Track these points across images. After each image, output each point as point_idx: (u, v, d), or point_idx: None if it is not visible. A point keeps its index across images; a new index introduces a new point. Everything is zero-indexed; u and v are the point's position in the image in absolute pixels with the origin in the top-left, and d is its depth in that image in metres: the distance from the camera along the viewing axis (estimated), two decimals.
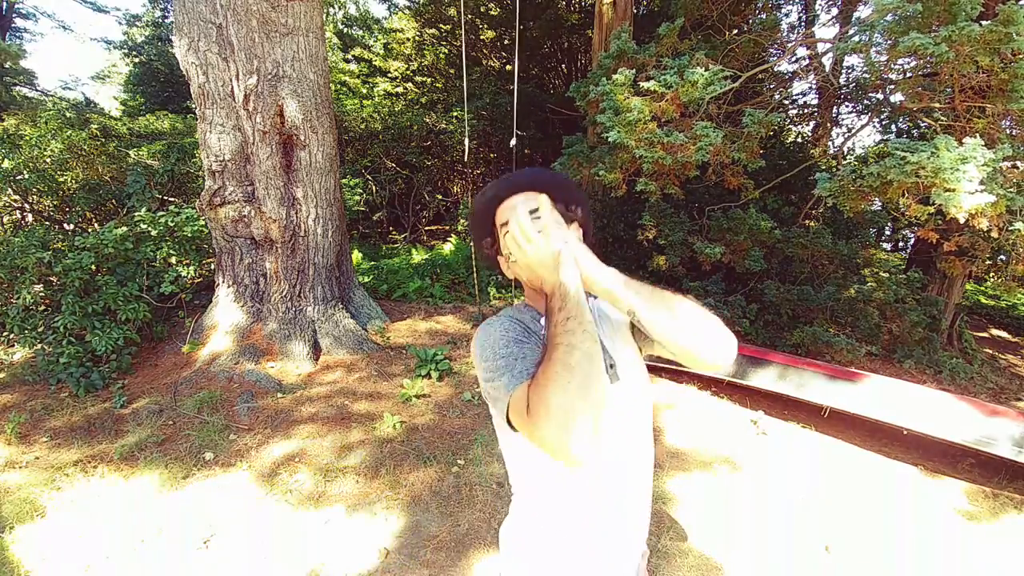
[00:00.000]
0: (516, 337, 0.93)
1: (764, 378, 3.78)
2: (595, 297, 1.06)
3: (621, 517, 1.02)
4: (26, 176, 4.96)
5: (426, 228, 10.37)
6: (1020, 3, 3.32)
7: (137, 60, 15.50)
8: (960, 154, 3.06)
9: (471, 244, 6.58)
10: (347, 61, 14.17)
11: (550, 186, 0.98)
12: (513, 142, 4.59)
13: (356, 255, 7.08)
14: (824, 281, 5.88)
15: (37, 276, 3.92)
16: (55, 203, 5.37)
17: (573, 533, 1.01)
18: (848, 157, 6.83)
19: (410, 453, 3.12)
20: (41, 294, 3.93)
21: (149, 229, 4.32)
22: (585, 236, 1.03)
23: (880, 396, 3.41)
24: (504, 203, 1.00)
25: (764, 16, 7.08)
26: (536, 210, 0.92)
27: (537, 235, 0.85)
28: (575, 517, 1.00)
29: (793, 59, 8.57)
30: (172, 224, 4.42)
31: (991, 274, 6.73)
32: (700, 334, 0.88)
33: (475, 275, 5.86)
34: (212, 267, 4.98)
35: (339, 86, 12.06)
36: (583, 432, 0.74)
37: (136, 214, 4.51)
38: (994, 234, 3.56)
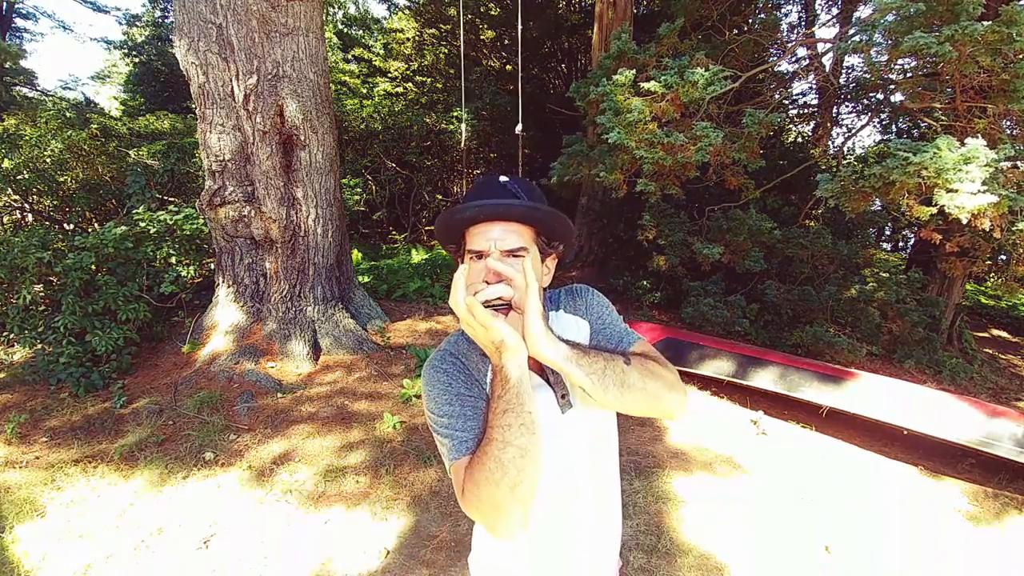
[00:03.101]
0: (459, 391, 0.91)
1: (764, 378, 3.77)
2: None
3: (576, 535, 1.02)
4: (26, 176, 4.95)
5: (426, 228, 10.36)
6: (1022, 3, 3.32)
7: (137, 60, 15.49)
8: (963, 154, 3.06)
9: None
10: (347, 61, 14.16)
11: (535, 222, 0.92)
12: (519, 128, 4.67)
13: (356, 255, 7.08)
14: (824, 281, 5.88)
15: (37, 276, 3.92)
16: (55, 203, 5.36)
17: (529, 553, 1.02)
18: (848, 157, 6.82)
19: (410, 453, 3.12)
20: (41, 294, 3.93)
21: (149, 228, 4.31)
22: (561, 262, 1.03)
23: (879, 396, 3.41)
24: (479, 227, 0.90)
25: (764, 16, 7.08)
26: (516, 251, 0.89)
27: (484, 321, 0.80)
28: (529, 539, 1.01)
29: (793, 59, 8.58)
30: (172, 224, 4.42)
31: (992, 274, 6.73)
32: (648, 407, 0.90)
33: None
34: (212, 267, 4.98)
35: (339, 86, 12.05)
36: (511, 522, 0.79)
37: (135, 213, 4.51)
38: (996, 234, 3.55)
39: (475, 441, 0.85)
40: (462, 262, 0.94)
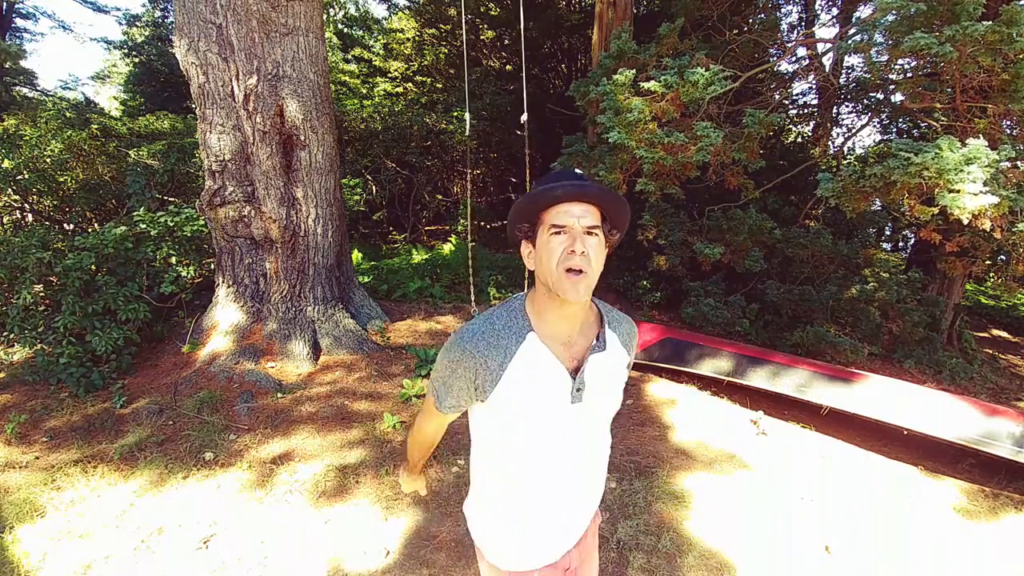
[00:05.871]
0: (457, 386, 1.09)
1: (764, 378, 3.77)
2: (608, 328, 1.16)
3: (568, 501, 1.19)
4: (26, 176, 4.95)
5: (426, 228, 10.36)
6: (1022, 3, 3.32)
7: (137, 60, 15.50)
8: (965, 155, 3.06)
9: (471, 244, 6.56)
10: (347, 61, 14.18)
11: (610, 207, 1.04)
12: (524, 117, 4.66)
13: (356, 255, 7.08)
14: (825, 281, 5.88)
15: (37, 276, 3.92)
16: (55, 203, 5.36)
17: (522, 497, 1.16)
18: (848, 157, 6.83)
19: None
20: (41, 294, 3.93)
21: (149, 229, 4.31)
22: (611, 250, 1.13)
23: (879, 396, 3.41)
24: (563, 206, 1.01)
25: (764, 16, 7.09)
26: (593, 228, 1.00)
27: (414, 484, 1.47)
28: (523, 489, 1.15)
29: (793, 59, 8.59)
30: (172, 224, 4.42)
31: (991, 274, 6.73)
32: None
33: (471, 273, 5.84)
34: (212, 267, 4.98)
35: (339, 86, 12.06)
36: (415, 457, 1.41)
37: (135, 214, 4.51)
38: (996, 234, 3.55)
39: (449, 409, 1.14)
40: (526, 241, 1.07)
